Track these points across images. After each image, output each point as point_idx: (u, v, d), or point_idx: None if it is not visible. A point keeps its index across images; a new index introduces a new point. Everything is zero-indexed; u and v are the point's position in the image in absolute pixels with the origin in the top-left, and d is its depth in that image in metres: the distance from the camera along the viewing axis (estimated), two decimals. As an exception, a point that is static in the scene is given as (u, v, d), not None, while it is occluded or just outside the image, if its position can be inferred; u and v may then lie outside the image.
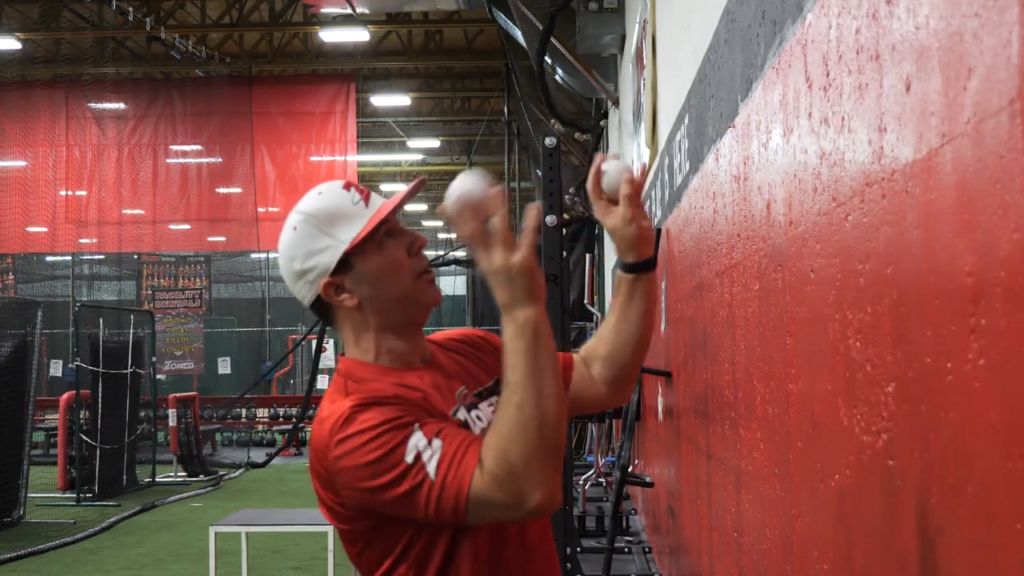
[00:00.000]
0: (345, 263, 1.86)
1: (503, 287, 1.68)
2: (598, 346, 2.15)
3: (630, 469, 6.71)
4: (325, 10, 17.01)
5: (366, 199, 1.90)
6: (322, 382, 17.65)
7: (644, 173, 6.02)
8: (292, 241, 1.89)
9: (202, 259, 25.21)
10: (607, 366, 2.10)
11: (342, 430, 1.72)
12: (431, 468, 1.65)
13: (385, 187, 29.52)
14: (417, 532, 1.78)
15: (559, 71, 11.63)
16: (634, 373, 2.15)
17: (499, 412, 1.66)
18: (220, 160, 22.12)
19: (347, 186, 1.92)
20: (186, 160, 22.40)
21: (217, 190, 22.21)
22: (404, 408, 1.74)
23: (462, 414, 1.88)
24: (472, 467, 1.64)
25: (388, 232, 1.88)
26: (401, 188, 2.00)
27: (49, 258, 26.86)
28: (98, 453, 12.71)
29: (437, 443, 1.67)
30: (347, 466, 1.71)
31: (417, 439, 1.67)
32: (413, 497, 1.66)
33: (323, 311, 1.93)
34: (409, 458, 1.66)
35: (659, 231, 6.05)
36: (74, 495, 12.50)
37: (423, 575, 1.79)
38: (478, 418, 1.90)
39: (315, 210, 1.88)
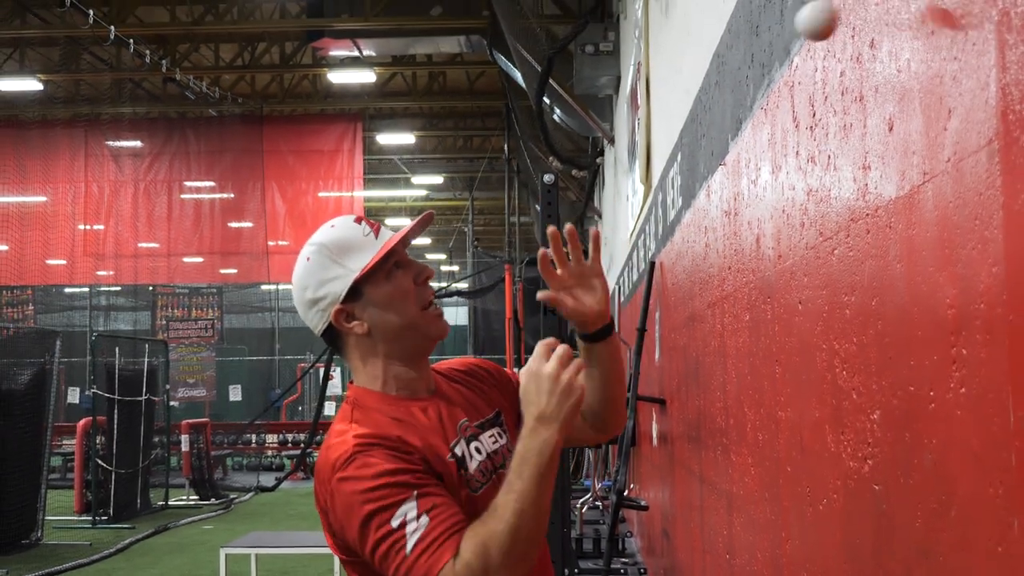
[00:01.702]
0: (355, 292, 1.86)
1: (546, 396, 1.67)
2: None
3: (626, 493, 6.68)
4: (333, 53, 17.10)
5: (376, 232, 1.90)
6: (329, 409, 17.62)
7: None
8: (305, 271, 1.89)
9: (214, 291, 25.17)
10: (586, 415, 2.08)
11: (343, 469, 1.71)
12: (410, 543, 1.64)
13: (391, 221, 29.54)
14: None
15: (557, 111, 11.68)
16: (615, 417, 2.12)
17: (494, 511, 1.65)
18: (232, 196, 22.15)
19: (359, 220, 1.92)
20: (200, 196, 22.42)
21: (229, 224, 22.23)
22: (406, 460, 1.73)
23: (460, 448, 1.86)
24: (447, 558, 1.62)
25: (396, 263, 1.89)
26: (406, 222, 1.98)
27: (67, 289, 26.82)
28: (113, 477, 12.66)
29: (424, 520, 1.65)
30: (341, 507, 1.71)
31: (408, 508, 1.66)
32: (387, 560, 1.66)
33: (333, 339, 1.93)
34: (395, 523, 1.65)
35: (652, 264, 6.06)
36: (90, 518, 12.45)
37: None
38: (477, 450, 1.89)
39: (328, 241, 1.89)
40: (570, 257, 1.87)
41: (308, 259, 1.89)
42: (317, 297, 1.88)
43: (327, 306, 1.87)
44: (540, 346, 1.73)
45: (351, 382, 1.95)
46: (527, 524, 1.63)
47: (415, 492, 1.68)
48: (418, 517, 1.65)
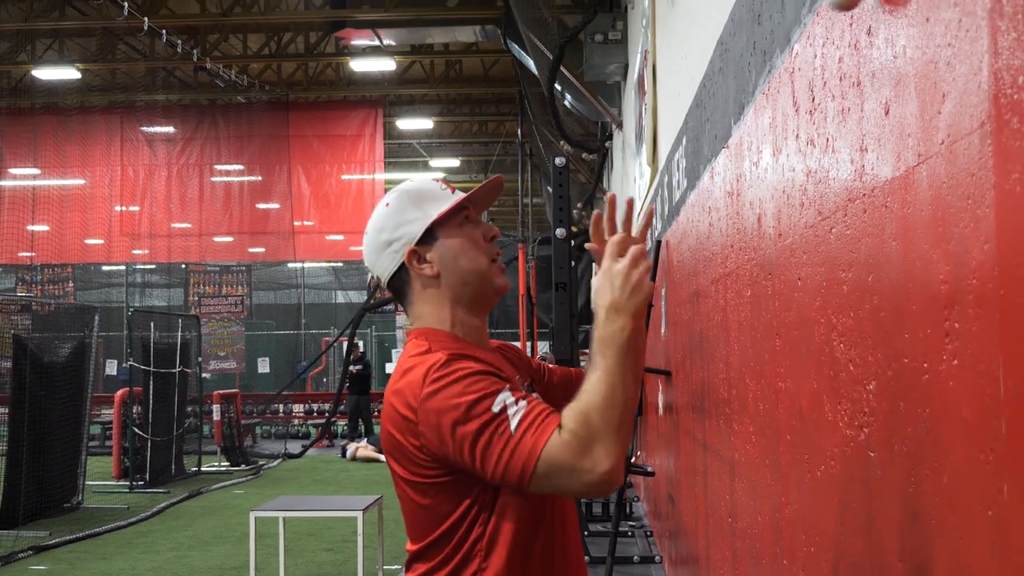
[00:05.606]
0: (430, 235, 1.88)
1: (618, 290, 1.66)
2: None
3: (633, 460, 6.69)
4: (355, 43, 17.06)
5: (452, 190, 1.95)
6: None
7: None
8: (383, 214, 1.92)
9: (243, 268, 25.22)
10: None
11: (440, 370, 1.68)
12: (513, 423, 1.61)
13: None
14: (482, 491, 1.72)
15: (568, 97, 11.64)
16: None
17: (586, 385, 1.63)
18: (260, 178, 22.19)
19: (437, 180, 1.98)
20: (229, 178, 22.46)
21: (257, 206, 22.27)
22: (495, 368, 1.73)
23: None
24: (550, 431, 1.60)
25: (467, 217, 1.93)
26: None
27: (105, 268, 26.89)
28: (149, 445, 12.73)
29: (523, 403, 1.64)
30: (438, 403, 1.67)
31: (506, 396, 1.64)
32: (490, 447, 1.62)
33: (400, 286, 1.93)
34: (496, 408, 1.62)
35: (659, 243, 6.04)
36: (127, 483, 12.53)
37: (493, 533, 1.74)
38: None
39: (409, 189, 1.94)
40: (620, 228, 1.84)
41: (387, 204, 1.93)
42: (392, 238, 1.89)
43: (401, 247, 1.89)
44: (611, 245, 1.72)
45: (411, 329, 1.92)
46: (619, 396, 1.60)
47: (507, 385, 1.67)
48: (516, 402, 1.64)
